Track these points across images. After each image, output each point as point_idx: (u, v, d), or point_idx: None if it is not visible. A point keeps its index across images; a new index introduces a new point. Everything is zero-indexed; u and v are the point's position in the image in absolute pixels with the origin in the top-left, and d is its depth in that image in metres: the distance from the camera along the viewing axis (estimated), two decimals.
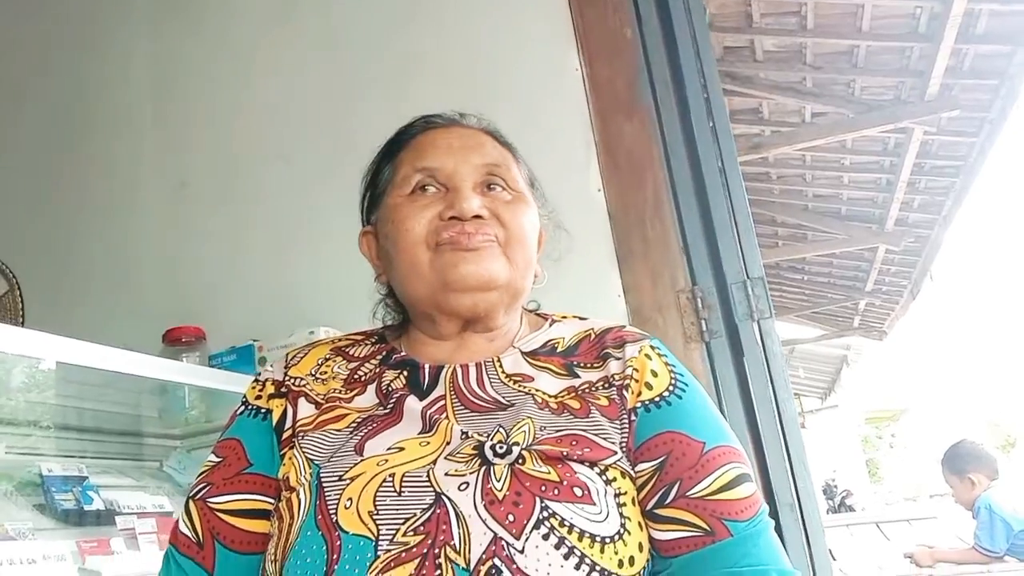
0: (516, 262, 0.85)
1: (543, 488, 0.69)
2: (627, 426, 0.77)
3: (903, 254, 7.20)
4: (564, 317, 0.92)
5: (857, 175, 5.96)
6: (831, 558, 3.02)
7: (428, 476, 0.72)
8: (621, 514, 0.71)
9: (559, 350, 0.86)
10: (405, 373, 0.85)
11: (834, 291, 9.07)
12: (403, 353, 0.88)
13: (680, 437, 0.76)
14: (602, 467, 0.73)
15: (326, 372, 0.87)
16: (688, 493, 0.73)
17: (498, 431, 0.75)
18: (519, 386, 0.82)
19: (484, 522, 0.67)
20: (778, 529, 1.52)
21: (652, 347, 0.83)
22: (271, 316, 1.89)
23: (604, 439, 0.75)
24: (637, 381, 0.79)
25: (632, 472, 0.75)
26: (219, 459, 0.84)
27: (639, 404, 0.78)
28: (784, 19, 4.19)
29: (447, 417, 0.78)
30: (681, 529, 0.72)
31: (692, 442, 0.76)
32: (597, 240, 1.75)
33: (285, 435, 0.82)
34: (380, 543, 0.67)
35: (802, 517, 1.48)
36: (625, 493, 0.73)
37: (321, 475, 0.74)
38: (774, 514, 1.53)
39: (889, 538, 3.34)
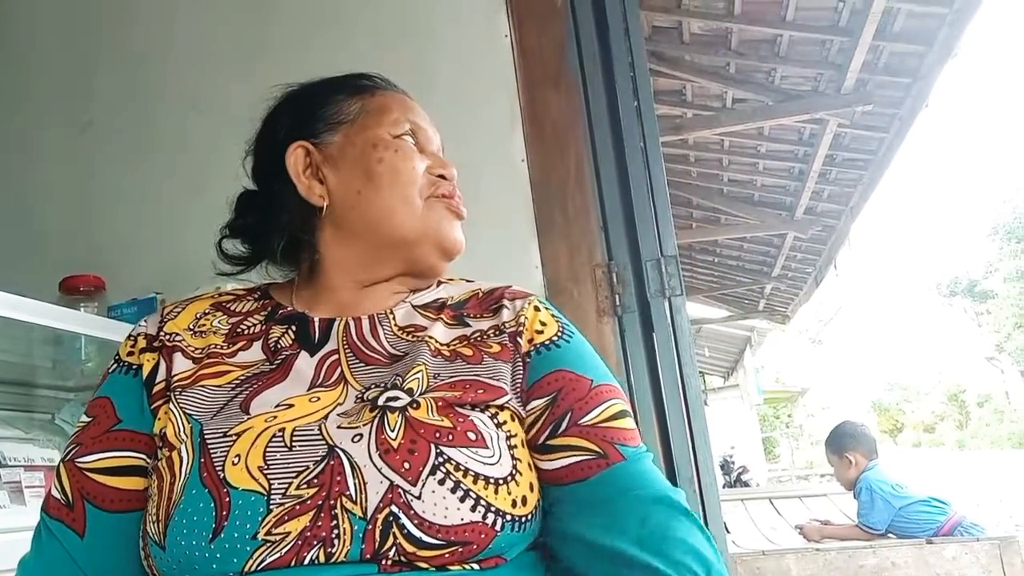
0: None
1: (437, 435, 0.70)
2: (521, 368, 0.79)
3: (810, 242, 7.48)
4: (451, 280, 0.94)
5: (771, 163, 6.13)
6: (725, 531, 3.15)
7: (320, 430, 0.71)
8: (512, 456, 0.73)
9: (449, 304, 0.88)
10: (293, 328, 0.84)
11: (743, 274, 9.36)
12: (290, 308, 0.87)
13: (570, 374, 0.79)
14: (494, 409, 0.75)
15: (205, 326, 0.85)
16: (580, 421, 0.76)
17: (393, 379, 0.76)
18: (412, 336, 0.83)
19: (380, 471, 0.67)
20: None
21: (540, 301, 0.87)
22: (178, 269, 1.82)
23: (498, 381, 0.77)
24: (527, 328, 0.82)
25: (523, 413, 0.77)
26: (89, 419, 0.81)
27: (532, 348, 0.81)
28: (712, 3, 4.25)
29: (341, 372, 0.79)
30: (574, 455, 0.75)
31: (581, 378, 0.79)
32: (518, 210, 1.75)
33: (157, 389, 0.79)
34: (272, 497, 0.67)
35: (700, 491, 1.53)
36: (515, 436, 0.75)
37: (204, 432, 0.72)
38: (672, 484, 1.58)
39: (781, 513, 3.50)
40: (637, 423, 1.63)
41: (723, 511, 3.54)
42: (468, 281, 0.93)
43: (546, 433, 0.76)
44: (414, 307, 0.87)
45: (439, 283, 0.92)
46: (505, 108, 1.78)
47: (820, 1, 4.05)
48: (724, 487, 12.98)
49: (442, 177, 0.89)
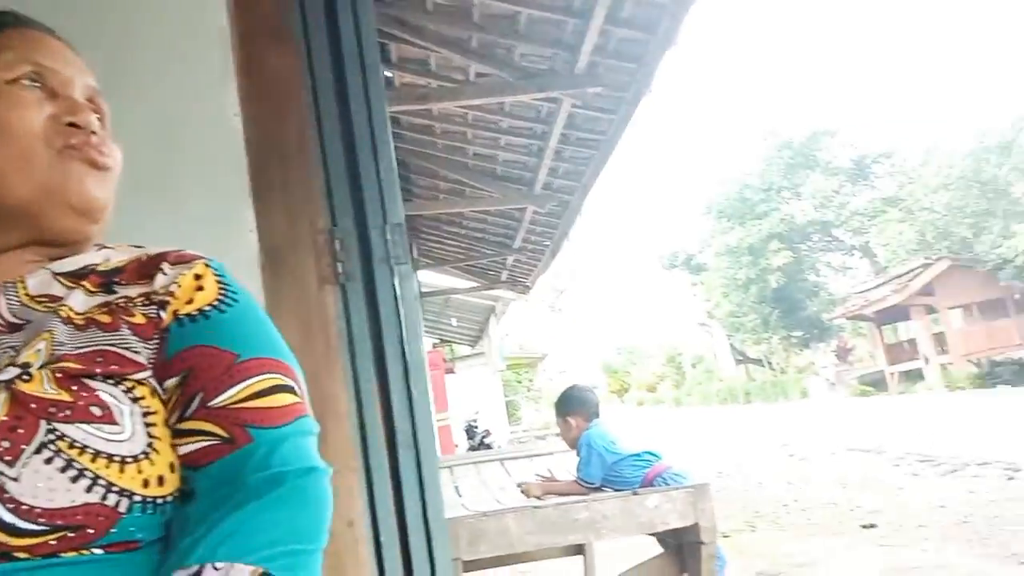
0: (111, 197, 0.82)
1: (52, 409, 0.63)
2: (159, 343, 0.72)
3: (548, 216, 7.86)
4: (119, 245, 0.84)
5: (512, 139, 6.33)
6: (458, 495, 3.23)
7: None
8: (149, 433, 0.67)
9: (100, 269, 0.78)
10: None
11: (487, 247, 9.65)
12: None
13: (208, 350, 0.72)
14: (129, 384, 0.68)
15: None
16: (209, 404, 0.70)
17: (7, 351, 0.68)
18: (43, 306, 0.73)
19: None
20: (395, 468, 1.58)
21: (207, 265, 0.78)
22: None
23: (135, 354, 0.70)
24: (178, 298, 0.74)
25: (161, 391, 0.71)
26: None
27: (173, 320, 0.73)
28: None
29: None
30: (199, 440, 0.69)
31: (222, 354, 0.72)
32: (231, 170, 1.63)
33: None
34: None
35: (418, 458, 1.54)
36: (155, 412, 0.69)
37: None
38: (393, 455, 1.57)
39: (511, 473, 3.65)
40: (358, 395, 1.60)
41: (458, 475, 3.62)
42: (138, 247, 0.83)
43: (176, 415, 0.70)
44: (55, 275, 0.77)
45: (103, 247, 0.82)
46: (217, 60, 1.65)
47: None
48: (468, 450, 13.43)
49: (74, 125, 0.77)
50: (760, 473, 10.85)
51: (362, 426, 1.55)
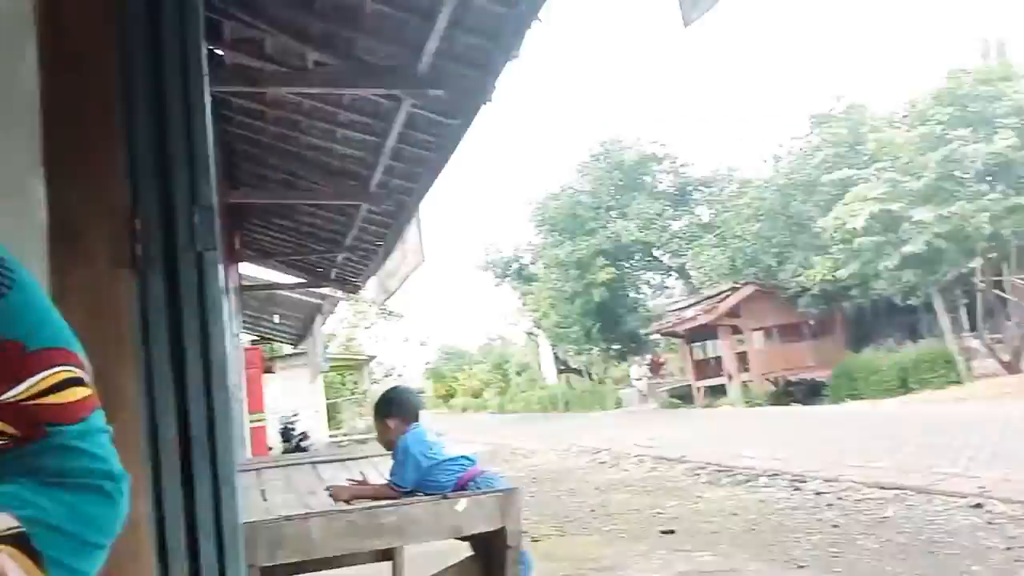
0: None
1: None
2: None
3: (382, 216, 7.74)
4: None
5: (350, 133, 6.18)
6: (263, 499, 3.09)
7: None
8: None
9: None
10: None
11: (317, 243, 9.38)
12: None
13: None
14: None
15: None
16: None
17: None
18: None
19: None
20: (187, 469, 1.48)
21: None
22: None
23: None
24: None
25: None
26: None
27: None
28: None
29: None
30: None
31: (5, 344, 0.66)
32: (22, 137, 1.48)
33: None
34: None
35: (214, 458, 1.45)
36: None
37: None
38: (186, 454, 1.47)
39: (323, 477, 3.54)
40: (150, 390, 1.49)
41: (266, 478, 3.47)
42: None
43: None
44: None
45: None
46: (14, 16, 1.49)
47: None
48: (283, 453, 12.96)
49: None
50: (572, 479, 11.22)
51: (152, 422, 1.44)
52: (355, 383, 29.51)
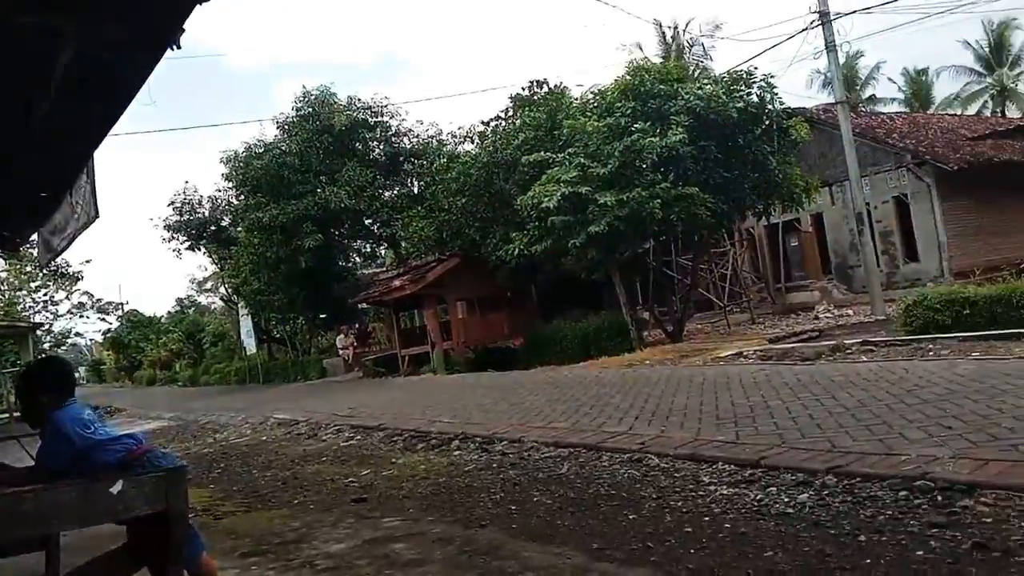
0: None
1: None
2: None
3: (49, 165, 6.85)
4: None
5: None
6: None
7: None
8: None
9: None
10: None
11: None
12: None
13: None
14: None
15: None
16: None
17: None
18: None
19: None
20: None
21: None
22: None
23: None
24: None
25: None
26: None
27: None
28: None
29: None
30: None
31: None
32: None
33: None
34: None
35: None
36: None
37: None
38: None
39: None
40: None
41: None
42: None
43: None
44: None
45: None
46: None
47: None
48: None
49: None
50: (265, 452, 10.88)
51: None
52: (17, 354, 26.04)
